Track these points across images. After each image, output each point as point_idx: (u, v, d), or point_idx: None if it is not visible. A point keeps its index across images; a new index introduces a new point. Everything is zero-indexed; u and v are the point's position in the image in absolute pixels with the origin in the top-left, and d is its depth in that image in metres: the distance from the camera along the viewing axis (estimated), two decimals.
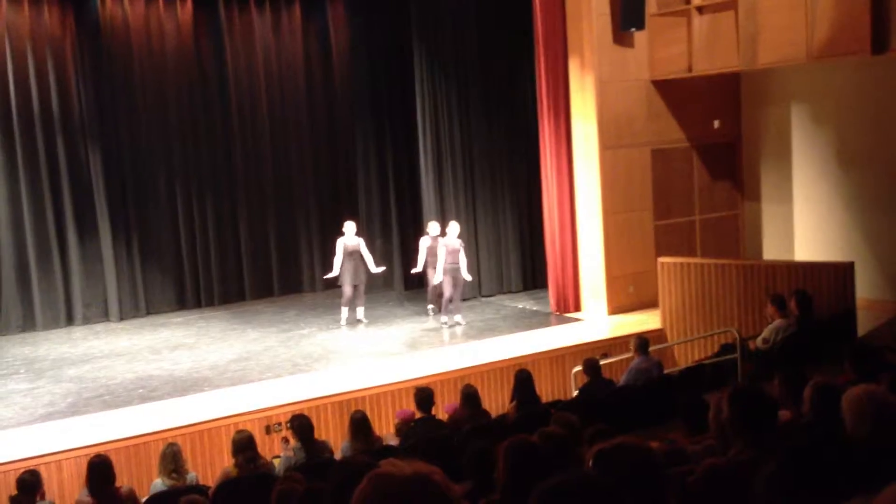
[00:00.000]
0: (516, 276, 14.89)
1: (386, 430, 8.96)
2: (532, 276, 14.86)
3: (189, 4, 14.86)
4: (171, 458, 6.86)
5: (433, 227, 13.09)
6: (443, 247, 12.46)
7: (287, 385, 10.08)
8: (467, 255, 12.98)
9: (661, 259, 11.89)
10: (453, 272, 12.45)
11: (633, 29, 12.33)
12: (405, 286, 15.35)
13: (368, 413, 7.90)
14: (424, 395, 7.80)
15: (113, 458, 6.84)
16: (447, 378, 10.01)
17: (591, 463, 2.96)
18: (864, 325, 10.44)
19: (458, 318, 12.62)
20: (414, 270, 13.49)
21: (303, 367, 10.91)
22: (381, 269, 13.62)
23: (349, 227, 13.05)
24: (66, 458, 8.25)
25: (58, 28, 14.03)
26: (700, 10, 11.99)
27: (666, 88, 12.83)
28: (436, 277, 12.64)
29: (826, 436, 3.78)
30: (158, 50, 14.67)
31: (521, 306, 13.82)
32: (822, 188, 12.82)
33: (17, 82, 13.72)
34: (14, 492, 6.57)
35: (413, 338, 12.20)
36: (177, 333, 13.30)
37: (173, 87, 14.78)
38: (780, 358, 8.68)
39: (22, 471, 6.80)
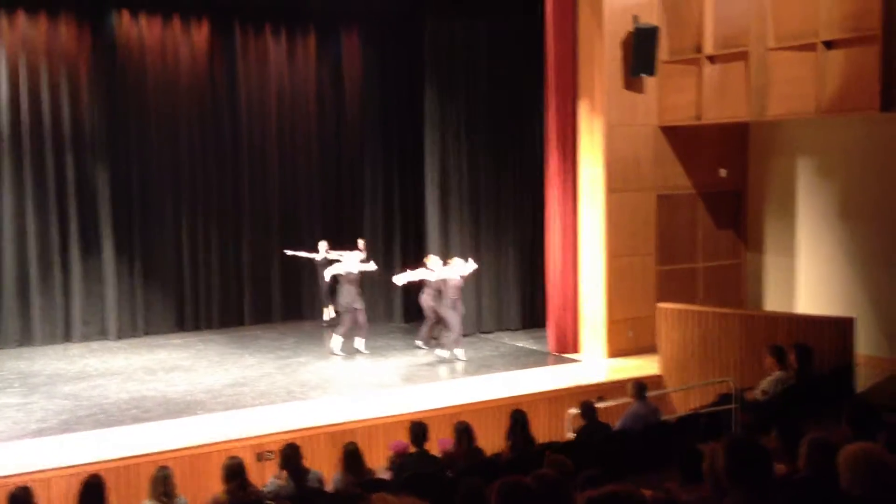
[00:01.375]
0: (516, 314, 14.86)
1: (378, 462, 8.90)
2: (532, 315, 14.82)
3: (205, 27, 15.01)
4: (162, 482, 6.81)
5: (433, 261, 13.11)
6: (443, 280, 12.57)
7: (281, 413, 10.03)
8: (468, 291, 13.06)
9: (662, 305, 11.88)
10: (454, 306, 12.51)
11: (643, 75, 12.42)
12: (405, 318, 15.37)
13: (361, 445, 7.84)
14: (419, 430, 7.75)
15: (103, 478, 6.78)
16: (442, 414, 9.95)
17: None
18: (862, 381, 10.39)
19: (459, 353, 12.62)
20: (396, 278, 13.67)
21: (298, 396, 10.87)
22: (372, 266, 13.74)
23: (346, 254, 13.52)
24: (56, 476, 8.18)
25: (73, 45, 14.15)
26: (711, 59, 12.06)
27: (674, 135, 12.89)
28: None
29: (823, 492, 3.75)
30: (172, 71, 14.79)
31: (519, 345, 13.78)
32: (825, 242, 12.82)
33: (29, 97, 13.84)
34: None
35: (410, 371, 12.16)
36: (174, 355, 13.27)
37: (185, 109, 14.88)
38: (778, 410, 8.62)
39: (11, 487, 6.74)
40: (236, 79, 15.28)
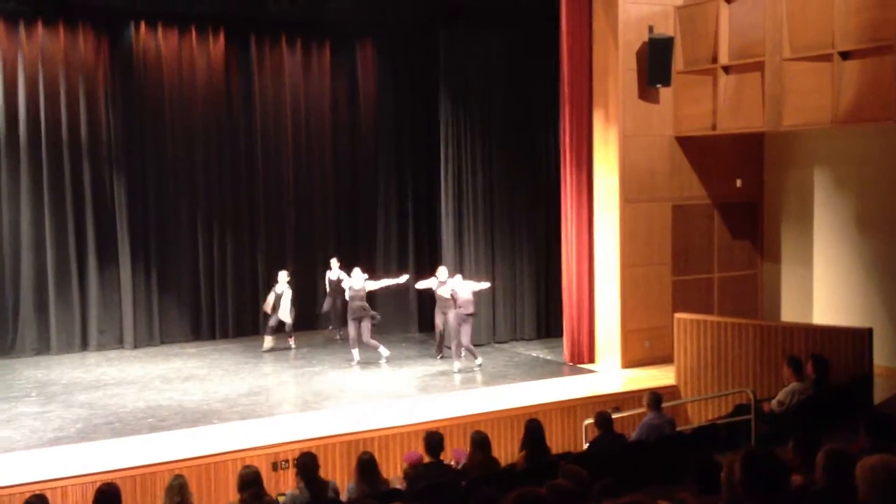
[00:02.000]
0: (531, 324, 14.85)
1: (393, 472, 8.91)
2: (547, 324, 14.82)
3: (221, 39, 15.11)
4: (177, 491, 6.82)
5: (442, 272, 13.13)
6: (450, 292, 12.62)
7: (296, 422, 10.05)
8: (483, 301, 13.11)
9: (678, 315, 11.83)
10: (462, 318, 12.50)
11: (659, 85, 12.41)
12: (419, 329, 15.39)
13: (376, 455, 7.85)
14: (434, 440, 7.74)
15: (118, 486, 6.81)
16: (457, 423, 9.95)
17: None
18: (880, 392, 10.32)
19: (478, 361, 12.66)
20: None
21: (313, 405, 10.89)
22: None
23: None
24: (72, 485, 8.22)
25: (91, 56, 14.27)
26: (727, 69, 12.04)
27: (689, 145, 12.87)
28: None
29: None
30: (189, 82, 14.89)
31: (534, 355, 13.77)
32: (842, 252, 12.76)
33: (47, 107, 13.96)
34: None
35: (425, 381, 12.16)
36: (189, 364, 13.32)
37: (201, 119, 14.98)
38: (795, 422, 8.58)
39: (28, 495, 6.77)
40: (252, 90, 15.37)
